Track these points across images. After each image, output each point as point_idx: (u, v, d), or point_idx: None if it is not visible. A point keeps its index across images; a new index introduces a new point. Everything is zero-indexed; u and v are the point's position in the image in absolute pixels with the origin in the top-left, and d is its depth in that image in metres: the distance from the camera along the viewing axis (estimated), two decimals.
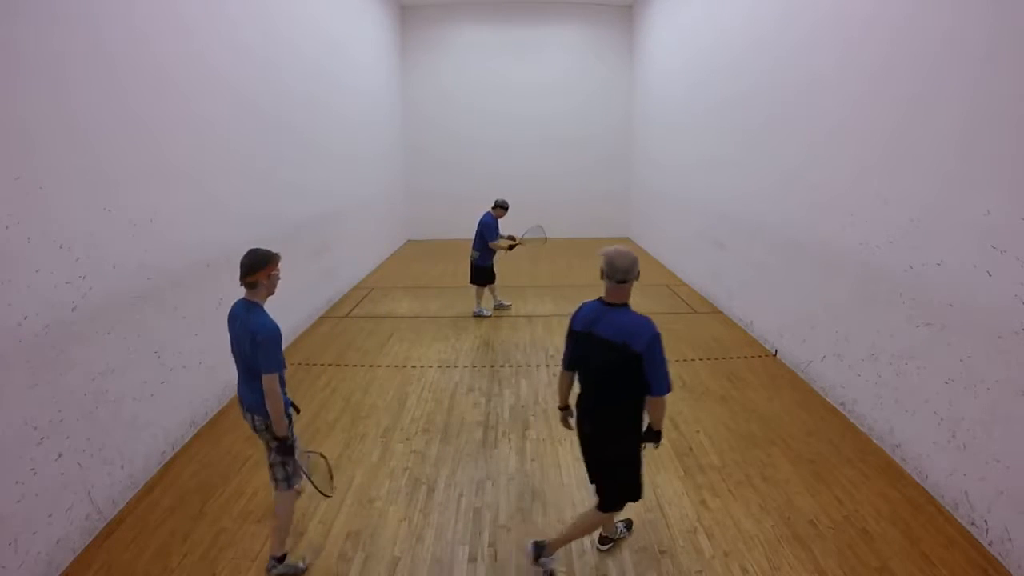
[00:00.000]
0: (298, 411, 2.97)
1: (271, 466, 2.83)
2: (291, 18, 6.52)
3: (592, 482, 2.83)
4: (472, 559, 3.04)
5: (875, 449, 4.06)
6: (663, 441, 4.14)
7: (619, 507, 2.79)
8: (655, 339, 2.44)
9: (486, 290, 7.41)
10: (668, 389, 2.47)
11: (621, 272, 2.54)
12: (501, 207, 7.18)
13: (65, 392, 3.06)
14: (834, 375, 4.73)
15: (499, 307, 7.54)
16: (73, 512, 3.08)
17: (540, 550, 2.86)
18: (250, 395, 2.77)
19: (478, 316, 7.29)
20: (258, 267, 2.66)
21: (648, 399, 2.53)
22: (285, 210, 6.28)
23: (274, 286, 2.79)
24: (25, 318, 2.80)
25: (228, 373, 4.95)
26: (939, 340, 3.51)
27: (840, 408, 4.62)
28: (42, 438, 2.89)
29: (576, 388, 2.84)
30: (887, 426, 4.01)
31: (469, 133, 12.96)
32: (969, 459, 3.24)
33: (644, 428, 2.68)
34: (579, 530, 2.87)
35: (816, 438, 4.21)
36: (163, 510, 3.44)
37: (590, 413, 2.68)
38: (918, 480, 3.66)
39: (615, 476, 2.72)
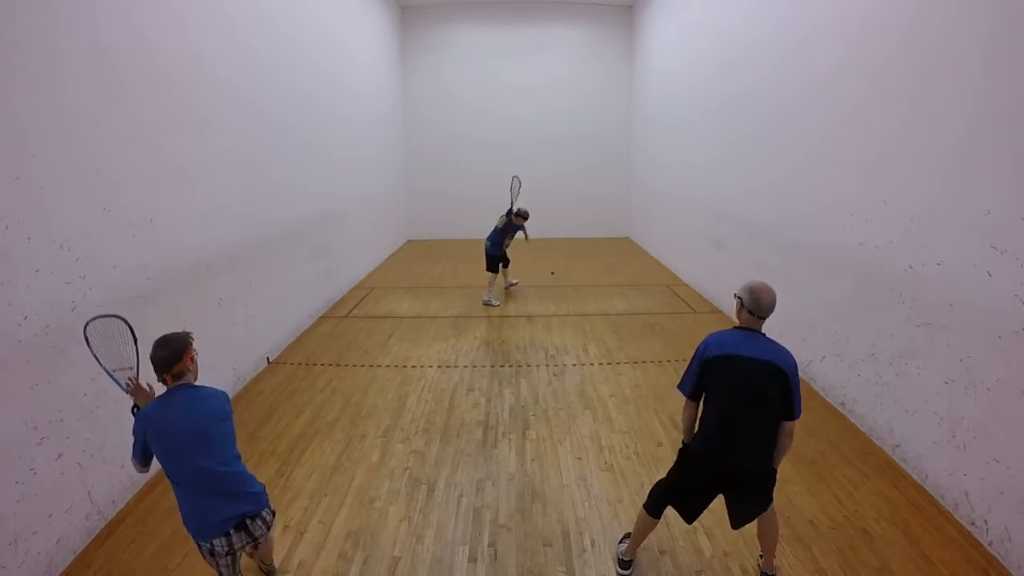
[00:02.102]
0: None
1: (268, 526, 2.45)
2: (291, 18, 6.52)
3: (690, 515, 2.69)
4: (472, 559, 3.04)
5: (875, 449, 4.06)
6: (662, 441, 4.18)
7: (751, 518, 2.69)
8: (796, 364, 2.51)
9: (499, 276, 8.05)
10: (800, 413, 2.53)
11: (767, 311, 2.53)
12: (521, 215, 7.94)
13: (65, 392, 3.06)
14: (834, 375, 4.73)
15: (508, 286, 8.50)
16: (73, 512, 3.08)
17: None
18: (227, 497, 2.26)
19: (487, 305, 7.69)
20: (180, 354, 2.31)
21: (784, 425, 2.51)
22: (285, 210, 6.28)
23: (197, 369, 2.42)
24: (25, 318, 2.81)
25: (228, 373, 4.97)
26: (939, 340, 3.51)
27: (840, 408, 4.62)
28: (42, 438, 2.89)
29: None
30: (887, 426, 4.01)
31: (469, 133, 12.97)
32: (969, 459, 3.24)
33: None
34: (775, 537, 2.78)
35: (816, 438, 4.21)
36: (163, 510, 3.44)
37: (738, 437, 2.51)
38: (918, 480, 3.66)
39: (761, 497, 2.62)
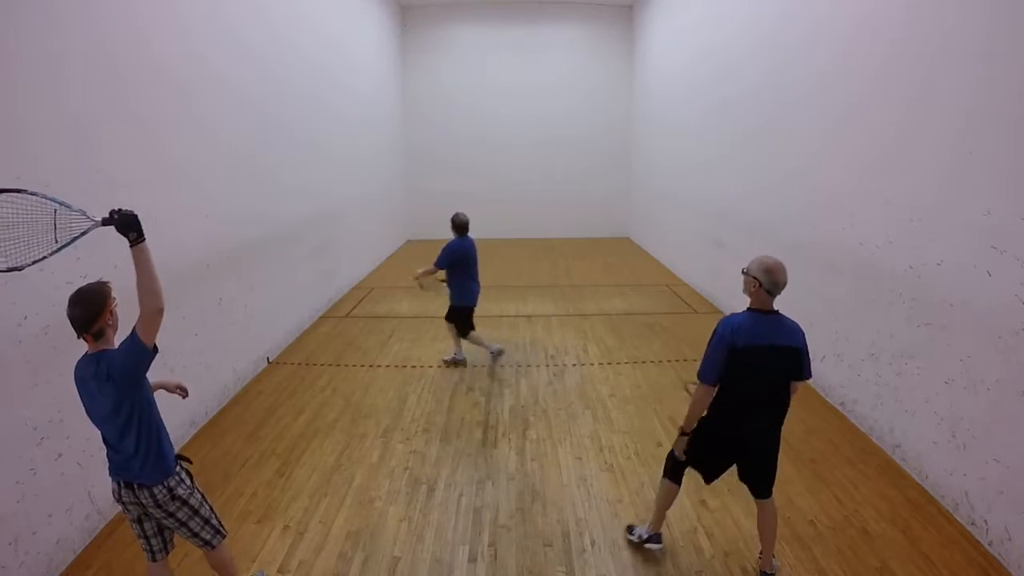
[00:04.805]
0: (189, 461, 2.51)
1: (196, 532, 2.41)
2: (291, 18, 6.52)
3: (711, 476, 2.85)
4: (472, 559, 3.04)
5: (875, 449, 4.06)
6: (662, 441, 4.18)
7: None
8: (804, 334, 2.67)
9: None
10: (811, 374, 2.69)
11: (782, 287, 2.61)
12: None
13: (65, 392, 3.04)
14: (834, 375, 4.73)
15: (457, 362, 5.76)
16: (73, 512, 3.07)
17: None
18: (142, 459, 2.20)
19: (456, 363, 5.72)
20: (100, 310, 2.09)
21: (793, 384, 2.68)
22: (285, 210, 6.28)
23: (117, 321, 2.20)
24: (25, 318, 2.80)
25: (228, 373, 4.97)
26: (939, 340, 3.51)
27: (840, 408, 4.62)
28: (42, 438, 2.89)
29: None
30: (887, 426, 4.01)
31: (469, 133, 12.97)
32: (969, 459, 3.24)
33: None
34: (774, 531, 2.85)
35: (816, 438, 4.21)
36: None
37: (759, 415, 2.66)
38: (918, 480, 3.66)
39: (773, 462, 2.78)
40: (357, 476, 3.79)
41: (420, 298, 8.15)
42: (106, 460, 2.29)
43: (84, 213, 2.05)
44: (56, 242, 2.02)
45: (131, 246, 2.08)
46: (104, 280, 2.18)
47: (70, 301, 2.08)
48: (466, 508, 3.46)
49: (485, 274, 7.90)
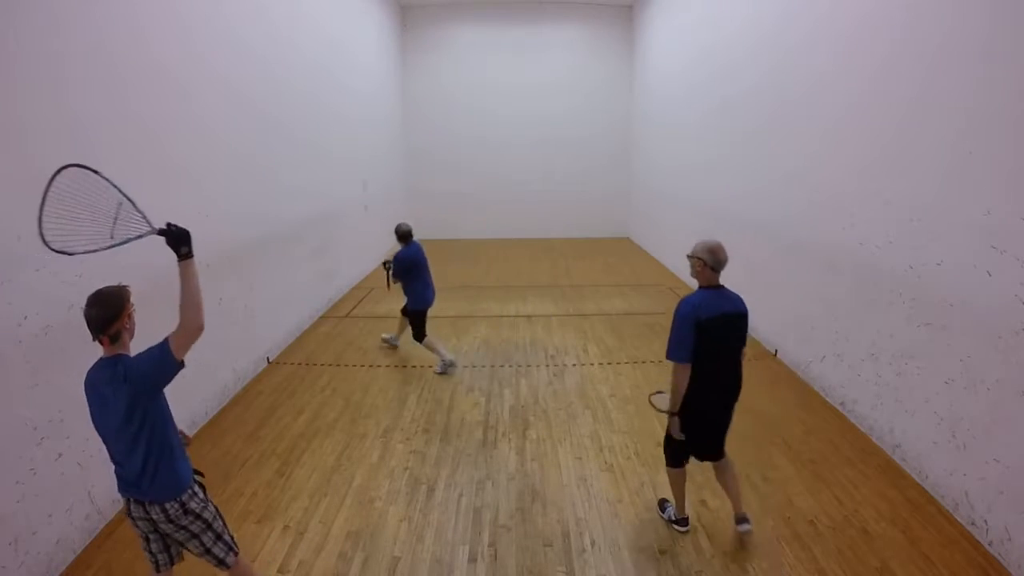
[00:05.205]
0: (202, 475, 2.43)
1: (208, 548, 2.31)
2: (291, 18, 6.52)
3: (701, 454, 3.12)
4: (472, 559, 3.04)
5: (875, 449, 4.06)
6: (662, 441, 4.16)
7: None
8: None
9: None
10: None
11: (725, 263, 2.91)
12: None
13: (65, 392, 3.05)
14: (834, 375, 4.73)
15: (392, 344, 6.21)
16: (73, 512, 3.08)
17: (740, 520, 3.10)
18: (151, 477, 2.12)
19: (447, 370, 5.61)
20: (118, 312, 2.05)
21: (743, 351, 3.03)
22: (285, 210, 6.28)
23: (134, 326, 2.16)
24: (25, 318, 2.81)
25: (228, 373, 4.97)
26: (939, 340, 3.51)
27: (840, 408, 4.62)
28: (42, 438, 2.89)
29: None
30: (887, 426, 4.01)
31: (469, 133, 12.97)
32: (969, 459, 3.24)
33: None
34: (738, 480, 3.19)
35: (816, 438, 4.21)
36: None
37: (732, 376, 2.99)
38: (918, 480, 3.66)
39: (728, 425, 3.12)
40: (357, 476, 3.79)
41: None
42: (108, 462, 2.25)
43: (146, 217, 2.08)
44: (112, 238, 2.05)
45: (179, 260, 2.11)
46: (123, 284, 2.15)
47: (88, 301, 2.04)
48: (466, 508, 3.46)
49: (487, 274, 7.94)
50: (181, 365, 2.11)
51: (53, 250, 1.93)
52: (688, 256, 2.96)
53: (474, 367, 5.63)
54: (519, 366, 5.65)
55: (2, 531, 2.64)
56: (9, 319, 2.72)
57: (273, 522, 3.33)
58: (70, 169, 2.00)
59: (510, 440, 4.25)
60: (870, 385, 4.21)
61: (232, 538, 2.43)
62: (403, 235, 5.54)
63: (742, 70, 6.74)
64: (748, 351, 3.00)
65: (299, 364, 5.71)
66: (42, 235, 1.91)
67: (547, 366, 5.65)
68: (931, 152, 3.59)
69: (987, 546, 3.06)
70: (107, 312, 2.03)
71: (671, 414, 2.97)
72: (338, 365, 5.70)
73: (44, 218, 1.91)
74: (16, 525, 2.71)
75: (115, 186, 2.05)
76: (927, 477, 3.59)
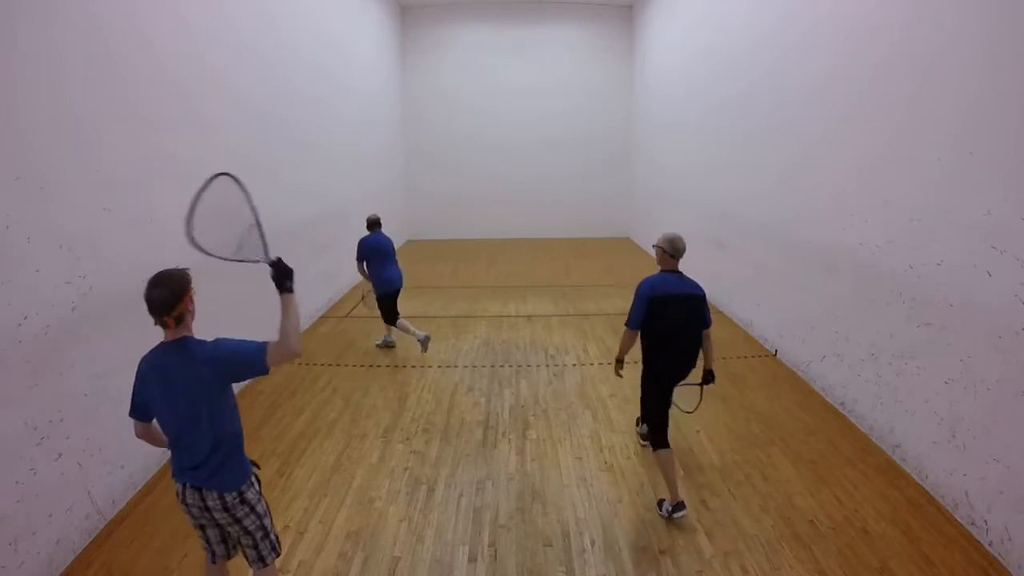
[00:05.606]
0: (259, 467, 2.45)
1: (256, 542, 2.31)
2: (291, 18, 6.52)
3: (656, 418, 3.49)
4: (472, 559, 3.04)
5: (875, 449, 4.06)
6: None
7: None
8: (703, 290, 3.47)
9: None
10: (711, 323, 3.50)
11: (683, 252, 3.46)
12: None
13: (65, 392, 3.06)
14: (834, 375, 4.73)
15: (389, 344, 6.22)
16: (73, 512, 3.08)
17: (676, 507, 3.28)
18: (216, 463, 2.14)
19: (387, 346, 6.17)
20: (182, 294, 2.09)
21: (705, 334, 3.48)
22: (285, 209, 6.28)
23: (195, 308, 2.20)
24: (25, 318, 2.80)
25: None
26: (939, 340, 3.51)
27: (840, 408, 4.62)
28: (42, 438, 2.89)
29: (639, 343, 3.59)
30: (887, 426, 4.01)
31: (469, 133, 12.97)
32: (969, 459, 3.24)
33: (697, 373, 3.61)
34: (672, 468, 3.41)
35: (816, 438, 4.21)
36: (163, 510, 3.44)
37: (686, 351, 3.44)
38: (918, 480, 3.66)
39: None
40: (357, 476, 3.79)
41: (420, 298, 8.16)
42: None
43: (266, 246, 2.28)
44: (234, 253, 2.25)
45: (281, 294, 2.20)
46: (186, 268, 2.20)
47: (151, 283, 2.06)
48: (466, 508, 3.46)
49: (487, 274, 7.93)
50: (265, 372, 2.13)
51: (194, 242, 2.18)
52: (653, 245, 3.56)
53: (474, 367, 5.63)
54: (519, 366, 5.65)
55: (2, 531, 2.64)
56: (9, 319, 2.72)
57: (273, 522, 3.32)
58: (226, 178, 2.32)
59: (510, 440, 4.25)
60: (870, 385, 4.21)
61: (277, 537, 2.44)
62: (369, 224, 6.03)
63: (742, 70, 6.74)
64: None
65: (299, 364, 5.71)
66: (191, 227, 2.22)
67: (547, 366, 5.65)
68: (931, 152, 3.59)
69: (987, 546, 3.06)
70: (172, 291, 2.06)
71: (617, 360, 3.63)
72: (338, 365, 5.70)
73: (195, 213, 2.22)
74: (16, 525, 2.71)
75: (253, 209, 2.27)
76: (927, 477, 3.59)
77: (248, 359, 2.09)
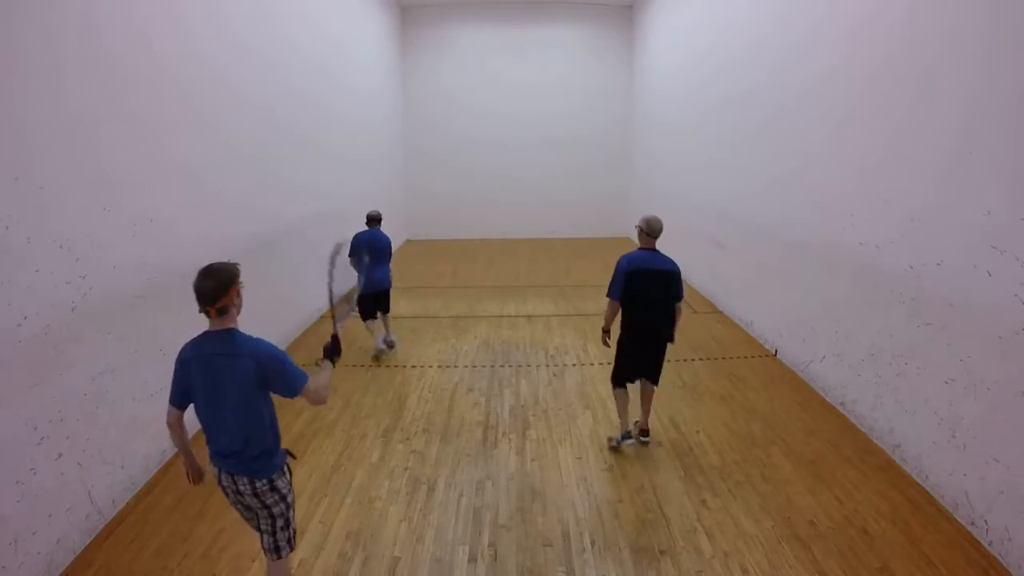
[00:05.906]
0: (294, 457, 2.57)
1: (275, 530, 2.38)
2: (291, 18, 6.52)
3: (634, 376, 4.01)
4: (472, 559, 3.04)
5: (875, 449, 4.06)
6: (662, 441, 4.18)
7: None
8: (679, 267, 3.84)
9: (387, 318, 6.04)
10: (683, 296, 3.87)
11: (659, 232, 3.89)
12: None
13: (65, 392, 3.06)
14: (834, 375, 4.73)
15: (390, 345, 5.99)
16: (73, 512, 3.07)
17: (635, 434, 4.04)
18: (255, 450, 2.24)
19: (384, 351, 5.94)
20: (228, 286, 2.13)
21: (677, 306, 3.84)
22: (285, 209, 6.28)
23: (242, 303, 2.25)
24: (25, 318, 2.80)
25: None
26: (939, 340, 3.51)
27: (840, 408, 4.62)
28: (42, 438, 2.89)
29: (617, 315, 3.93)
30: (887, 426, 4.01)
31: (469, 133, 12.97)
32: (969, 459, 3.24)
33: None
34: (649, 404, 4.10)
35: (816, 438, 4.21)
36: (163, 510, 3.44)
37: (656, 319, 3.82)
38: (918, 480, 3.66)
39: (662, 358, 3.98)
40: (357, 476, 3.79)
41: (420, 298, 8.16)
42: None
43: (337, 323, 2.70)
44: (335, 300, 2.75)
45: (324, 359, 2.54)
46: (236, 263, 2.25)
47: (200, 274, 2.12)
48: (466, 508, 3.46)
49: (487, 274, 7.92)
50: (292, 395, 2.29)
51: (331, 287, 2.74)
52: (635, 226, 3.99)
53: (474, 367, 5.63)
54: (519, 366, 5.65)
55: (2, 531, 2.64)
56: (9, 319, 2.72)
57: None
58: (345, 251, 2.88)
59: (510, 440, 4.25)
60: (870, 385, 4.21)
61: (295, 533, 2.50)
62: (369, 219, 6.08)
63: (742, 70, 6.74)
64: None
65: (300, 364, 5.69)
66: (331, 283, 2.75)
67: (547, 366, 5.65)
68: (931, 152, 3.59)
69: (987, 546, 3.06)
70: (220, 282, 2.12)
71: (604, 331, 3.99)
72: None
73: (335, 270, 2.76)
74: (16, 525, 2.71)
75: (331, 284, 2.75)
76: (927, 477, 3.59)
77: (291, 375, 2.23)
